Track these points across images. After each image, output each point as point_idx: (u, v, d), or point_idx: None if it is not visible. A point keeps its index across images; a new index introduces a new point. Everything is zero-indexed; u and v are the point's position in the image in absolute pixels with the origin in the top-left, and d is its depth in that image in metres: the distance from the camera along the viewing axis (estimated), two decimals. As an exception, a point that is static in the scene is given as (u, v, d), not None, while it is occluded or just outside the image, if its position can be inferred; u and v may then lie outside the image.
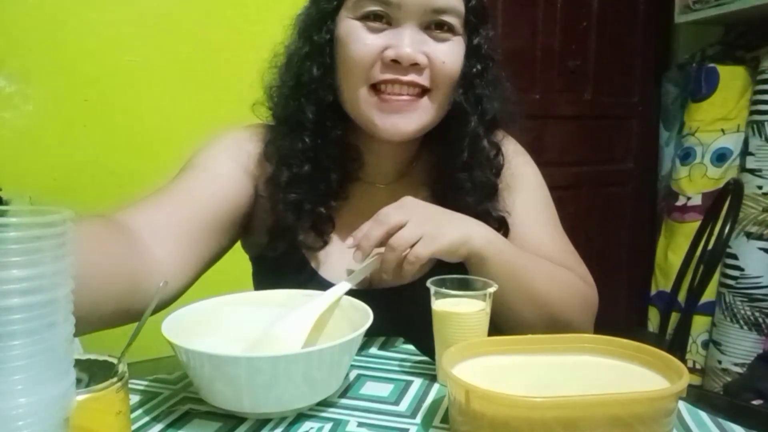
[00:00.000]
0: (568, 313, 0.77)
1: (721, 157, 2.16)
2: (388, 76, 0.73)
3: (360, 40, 0.73)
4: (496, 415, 0.48)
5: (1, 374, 0.36)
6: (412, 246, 0.67)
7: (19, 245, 0.36)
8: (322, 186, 0.79)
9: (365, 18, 0.73)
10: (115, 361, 0.48)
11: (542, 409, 0.48)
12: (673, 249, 2.23)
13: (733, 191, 1.45)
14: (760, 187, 2.02)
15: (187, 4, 1.72)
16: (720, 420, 0.57)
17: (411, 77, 0.73)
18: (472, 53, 0.78)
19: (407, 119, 0.75)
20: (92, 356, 0.48)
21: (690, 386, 0.50)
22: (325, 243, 0.82)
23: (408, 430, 0.55)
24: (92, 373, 0.47)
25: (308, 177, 0.78)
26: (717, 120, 2.14)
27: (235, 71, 1.83)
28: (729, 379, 2.04)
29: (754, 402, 1.50)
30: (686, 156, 2.24)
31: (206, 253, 0.76)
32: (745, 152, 2.09)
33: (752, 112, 2.07)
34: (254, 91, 1.92)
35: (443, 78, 0.75)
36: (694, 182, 2.21)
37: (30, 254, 0.36)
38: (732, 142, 2.13)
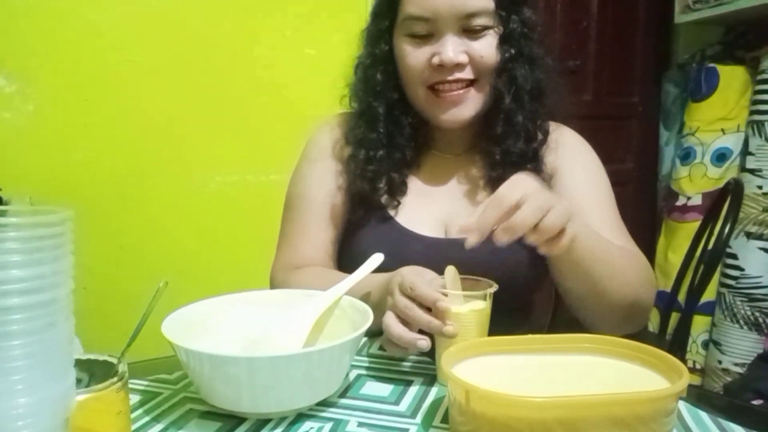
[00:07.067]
0: (643, 293, 0.82)
1: (721, 157, 2.15)
2: (437, 78, 0.86)
3: (411, 54, 0.88)
4: (496, 415, 0.48)
5: (1, 374, 0.36)
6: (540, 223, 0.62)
7: (19, 245, 0.36)
8: (398, 156, 0.94)
9: (412, 34, 0.87)
10: (115, 361, 0.48)
11: (542, 409, 0.48)
12: (673, 249, 2.23)
13: (733, 191, 1.45)
14: (760, 187, 2.01)
15: (187, 5, 1.72)
16: (720, 420, 0.57)
17: (455, 76, 0.86)
18: (504, 40, 0.88)
19: (462, 108, 0.88)
20: (92, 356, 0.48)
21: (690, 386, 0.50)
22: (399, 203, 0.94)
23: (408, 430, 0.55)
24: (92, 373, 0.47)
25: (383, 156, 0.93)
26: (717, 120, 2.14)
27: (234, 71, 1.83)
28: (729, 379, 2.04)
29: (754, 402, 1.50)
30: (686, 156, 2.24)
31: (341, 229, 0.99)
32: (745, 152, 2.09)
33: (752, 112, 2.07)
34: (254, 90, 1.91)
35: (484, 69, 0.87)
36: (694, 182, 2.21)
37: (30, 254, 0.36)
38: (732, 142, 2.13)
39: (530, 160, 0.92)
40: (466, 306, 0.64)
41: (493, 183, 0.91)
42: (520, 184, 0.63)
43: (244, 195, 1.83)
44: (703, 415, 0.58)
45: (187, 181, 1.76)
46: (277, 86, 1.84)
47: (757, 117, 2.03)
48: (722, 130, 2.14)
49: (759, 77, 2.03)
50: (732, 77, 2.12)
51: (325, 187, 0.96)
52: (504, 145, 0.90)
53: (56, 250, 0.38)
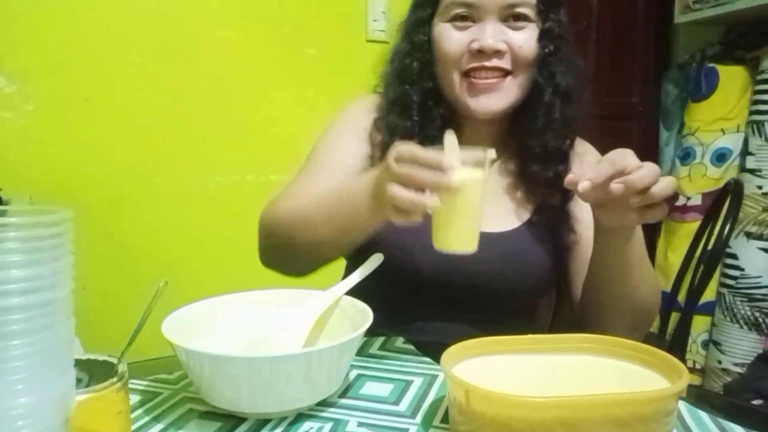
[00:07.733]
0: (654, 302, 0.86)
1: (721, 157, 2.15)
2: (475, 63, 0.87)
3: (451, 38, 0.88)
4: (496, 415, 0.48)
5: (1, 374, 0.36)
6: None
7: (19, 245, 0.36)
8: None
9: (453, 20, 0.88)
10: (115, 361, 0.48)
11: (542, 409, 0.48)
12: (673, 249, 2.23)
13: (733, 191, 1.45)
14: (760, 187, 2.01)
15: (187, 5, 1.72)
16: (720, 420, 0.57)
17: (494, 63, 0.87)
18: (544, 36, 0.89)
19: (495, 98, 0.89)
20: (92, 356, 0.48)
21: (690, 386, 0.50)
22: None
23: (408, 430, 0.55)
24: (92, 373, 0.47)
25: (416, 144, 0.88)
26: (717, 120, 2.14)
27: (234, 71, 1.83)
28: (729, 379, 2.04)
29: (754, 402, 1.50)
30: (686, 156, 2.24)
31: None
32: (745, 152, 2.09)
33: (752, 112, 2.06)
34: (253, 90, 1.91)
35: (521, 60, 0.88)
36: (694, 182, 2.21)
37: (30, 254, 0.36)
38: (732, 142, 2.13)
39: (561, 161, 0.93)
40: (465, 172, 0.63)
41: (529, 178, 0.93)
42: (629, 154, 0.66)
43: (244, 195, 1.82)
44: (703, 415, 0.58)
45: (186, 181, 1.76)
46: (277, 86, 1.84)
47: (757, 117, 2.03)
48: (722, 130, 2.14)
49: (759, 77, 2.03)
50: (732, 77, 2.12)
51: (350, 162, 0.94)
52: (542, 139, 0.91)
53: (56, 250, 0.38)
